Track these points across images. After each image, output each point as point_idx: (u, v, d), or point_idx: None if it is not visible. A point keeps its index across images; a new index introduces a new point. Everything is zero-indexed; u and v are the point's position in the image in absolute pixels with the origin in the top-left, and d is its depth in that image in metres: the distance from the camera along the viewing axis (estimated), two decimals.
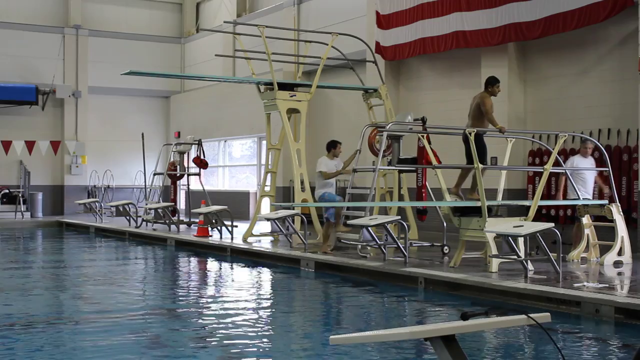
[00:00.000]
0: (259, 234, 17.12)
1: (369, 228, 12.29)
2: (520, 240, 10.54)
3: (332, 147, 14.58)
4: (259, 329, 8.77)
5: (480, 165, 11.48)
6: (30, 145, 26.80)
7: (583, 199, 12.91)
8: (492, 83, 12.97)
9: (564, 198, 13.40)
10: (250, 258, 15.20)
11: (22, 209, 26.20)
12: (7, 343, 7.64)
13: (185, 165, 21.55)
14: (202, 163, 20.53)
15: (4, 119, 27.18)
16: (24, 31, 27.51)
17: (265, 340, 8.18)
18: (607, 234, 12.72)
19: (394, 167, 14.22)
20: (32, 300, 10.75)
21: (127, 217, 21.79)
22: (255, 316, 9.60)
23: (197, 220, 19.17)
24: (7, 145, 26.64)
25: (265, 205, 18.23)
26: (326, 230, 14.34)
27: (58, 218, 25.83)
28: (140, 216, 21.26)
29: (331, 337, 4.17)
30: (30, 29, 27.65)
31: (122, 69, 17.73)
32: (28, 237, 22.17)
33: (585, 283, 10.01)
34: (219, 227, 17.73)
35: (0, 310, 9.71)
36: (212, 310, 10.02)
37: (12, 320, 8.96)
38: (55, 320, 9.09)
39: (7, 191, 26.72)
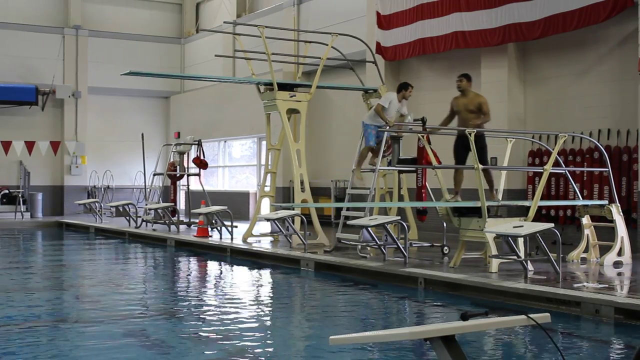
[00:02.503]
0: (258, 234, 17.13)
1: (369, 228, 12.29)
2: (520, 240, 10.54)
3: (404, 88, 14.38)
4: (259, 329, 8.77)
5: (481, 166, 11.47)
6: (30, 145, 26.80)
7: None
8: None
9: None
10: (250, 258, 15.20)
11: (22, 210, 26.19)
12: (7, 343, 7.63)
13: (185, 165, 21.55)
14: (202, 163, 20.54)
15: (4, 120, 27.18)
16: (24, 31, 27.52)
17: (265, 340, 8.18)
18: (607, 234, 12.72)
19: (393, 168, 14.22)
20: (31, 300, 10.75)
21: (127, 218, 21.79)
22: (255, 316, 9.60)
23: (197, 221, 19.16)
24: (7, 145, 26.64)
25: (265, 205, 18.23)
26: (365, 152, 14.42)
27: (58, 218, 25.83)
28: (140, 216, 21.26)
29: (331, 337, 4.16)
30: (30, 30, 27.66)
31: (122, 69, 17.73)
32: (28, 237, 22.16)
33: (585, 283, 10.01)
34: (218, 228, 17.73)
35: (0, 310, 9.71)
36: (212, 310, 10.02)
37: (12, 321, 8.96)
38: (55, 321, 9.08)
39: (7, 191, 26.72)
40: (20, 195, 26.37)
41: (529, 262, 10.63)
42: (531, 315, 4.10)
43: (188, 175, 21.48)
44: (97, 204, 24.84)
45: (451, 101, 12.84)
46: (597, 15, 14.45)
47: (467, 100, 12.56)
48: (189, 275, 14.38)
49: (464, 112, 12.54)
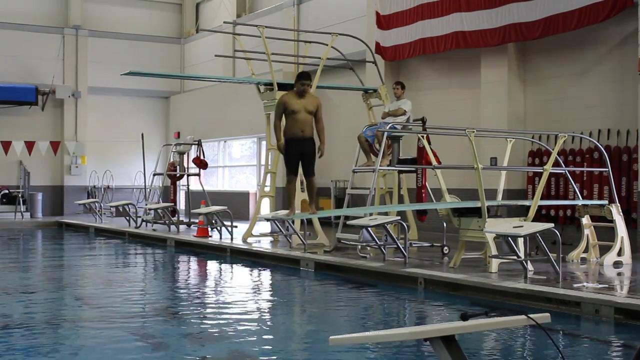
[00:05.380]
0: (258, 234, 17.12)
1: (369, 228, 12.29)
2: (520, 240, 10.54)
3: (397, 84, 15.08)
4: (259, 329, 8.77)
5: (481, 166, 11.46)
6: (30, 145, 26.80)
7: None
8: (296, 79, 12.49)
9: None
10: (250, 258, 15.20)
11: (22, 209, 26.20)
12: (6, 344, 7.63)
13: (185, 165, 21.55)
14: (201, 163, 20.53)
15: (4, 120, 27.19)
16: (23, 31, 27.53)
17: (264, 340, 8.17)
18: (606, 234, 12.72)
19: (393, 168, 14.21)
20: (31, 300, 10.75)
21: (127, 218, 21.79)
22: (255, 316, 9.59)
23: (196, 221, 19.17)
24: (6, 145, 26.64)
25: (265, 205, 18.22)
26: (367, 148, 14.63)
27: (58, 218, 25.83)
28: (140, 216, 21.26)
29: (331, 337, 4.16)
30: (30, 30, 27.67)
31: (121, 69, 17.73)
32: (28, 237, 22.16)
33: (585, 283, 10.01)
34: (218, 228, 17.73)
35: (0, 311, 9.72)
36: (212, 310, 10.02)
37: (12, 321, 8.96)
38: (55, 321, 9.08)
39: (7, 191, 26.72)
40: (20, 195, 26.37)
41: (528, 262, 10.63)
42: (531, 315, 4.10)
43: (188, 175, 21.48)
44: (97, 204, 24.84)
45: (284, 99, 12.52)
46: (597, 15, 14.46)
47: (306, 101, 12.43)
48: (188, 275, 14.38)
49: (303, 112, 12.40)
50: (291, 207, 13.12)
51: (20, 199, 26.31)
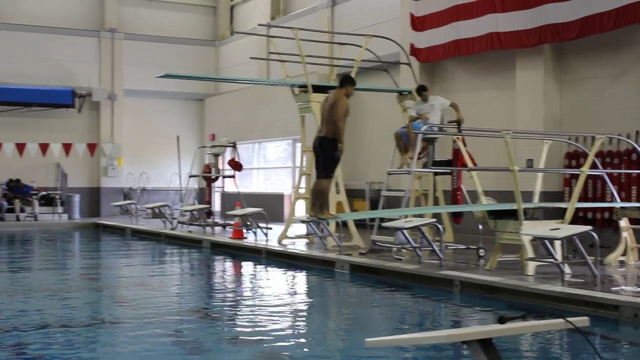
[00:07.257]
0: (293, 236, 17.14)
1: (404, 231, 12.26)
2: (557, 243, 10.45)
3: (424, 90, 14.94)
4: (294, 331, 8.79)
5: (517, 168, 11.38)
6: (67, 147, 27.14)
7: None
8: (350, 83, 12.04)
9: None
10: (285, 260, 15.22)
11: (60, 211, 26.48)
12: (43, 345, 7.73)
13: (220, 167, 21.66)
14: (237, 165, 20.63)
15: (42, 122, 27.55)
16: (60, 35, 27.86)
17: (300, 342, 8.19)
18: None
19: (429, 170, 14.16)
20: (68, 301, 10.87)
21: (163, 219, 21.95)
22: (291, 318, 9.62)
23: (232, 223, 19.25)
24: (44, 147, 27.00)
25: (300, 207, 18.24)
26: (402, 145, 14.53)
27: (95, 220, 26.09)
28: (175, 218, 21.41)
29: (367, 339, 4.16)
30: (67, 33, 27.99)
31: (157, 72, 17.86)
32: (65, 238, 22.41)
33: (623, 287, 9.91)
34: (253, 229, 17.79)
35: (37, 311, 9.84)
36: (247, 312, 10.05)
37: (49, 322, 9.06)
38: (92, 323, 9.17)
39: (45, 193, 27.03)
40: (57, 197, 26.67)
41: (566, 265, 10.54)
42: (569, 319, 4.06)
43: (223, 177, 21.58)
44: (133, 206, 25.04)
45: (348, 103, 12.07)
46: (634, 15, 14.29)
47: None
48: (224, 276, 14.45)
49: None
50: (328, 210, 12.76)
51: (58, 201, 26.61)
